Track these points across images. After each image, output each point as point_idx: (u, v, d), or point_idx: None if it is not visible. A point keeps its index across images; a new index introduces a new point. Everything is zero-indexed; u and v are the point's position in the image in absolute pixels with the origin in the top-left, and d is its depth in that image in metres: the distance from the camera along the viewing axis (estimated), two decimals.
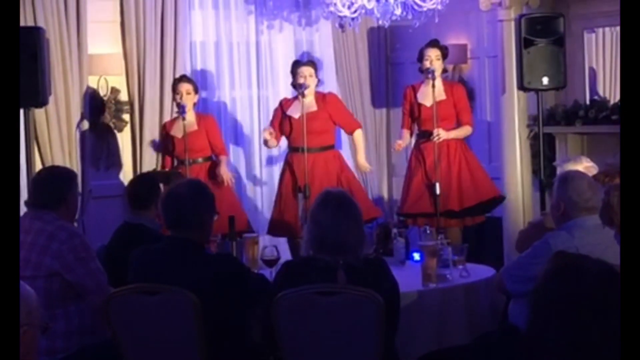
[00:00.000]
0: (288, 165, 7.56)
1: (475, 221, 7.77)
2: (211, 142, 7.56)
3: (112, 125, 7.98)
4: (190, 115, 7.45)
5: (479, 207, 7.68)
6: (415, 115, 7.67)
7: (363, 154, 7.81)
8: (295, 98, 7.54)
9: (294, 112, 7.45)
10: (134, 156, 7.99)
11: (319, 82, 7.76)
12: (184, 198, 4.35)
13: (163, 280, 4.26)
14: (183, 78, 7.61)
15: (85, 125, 7.68)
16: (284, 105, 7.63)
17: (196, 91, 7.55)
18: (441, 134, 7.49)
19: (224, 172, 7.48)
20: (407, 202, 7.69)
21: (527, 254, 4.49)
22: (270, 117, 7.85)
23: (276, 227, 7.62)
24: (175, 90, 7.52)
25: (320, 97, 7.62)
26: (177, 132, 7.42)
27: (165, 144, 7.65)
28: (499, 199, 7.79)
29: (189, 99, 7.44)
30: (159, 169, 7.80)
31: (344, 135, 8.35)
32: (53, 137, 7.48)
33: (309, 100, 7.45)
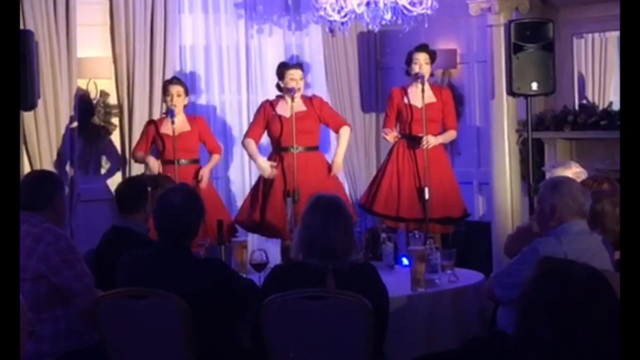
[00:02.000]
0: (279, 166, 7.51)
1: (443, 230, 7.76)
2: (205, 141, 7.56)
3: (101, 128, 7.96)
4: (181, 117, 7.44)
5: (446, 219, 7.69)
6: (404, 117, 7.66)
7: (342, 154, 7.67)
8: (280, 98, 7.52)
9: (283, 111, 7.43)
10: (122, 160, 7.98)
11: (307, 85, 7.74)
12: (178, 208, 4.35)
13: (152, 285, 4.26)
14: (174, 80, 7.60)
15: (74, 128, 7.67)
16: (269, 107, 7.59)
17: (187, 93, 7.54)
18: (430, 141, 7.49)
19: (206, 174, 7.48)
20: (400, 204, 7.65)
21: (515, 261, 4.49)
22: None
23: (262, 228, 7.58)
24: (165, 92, 7.51)
25: (307, 99, 7.63)
26: (167, 130, 7.37)
27: (151, 137, 7.54)
28: (464, 217, 7.81)
29: (180, 101, 7.42)
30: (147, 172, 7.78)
31: (330, 138, 8.35)
32: (42, 140, 7.46)
33: (297, 101, 7.44)
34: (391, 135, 7.68)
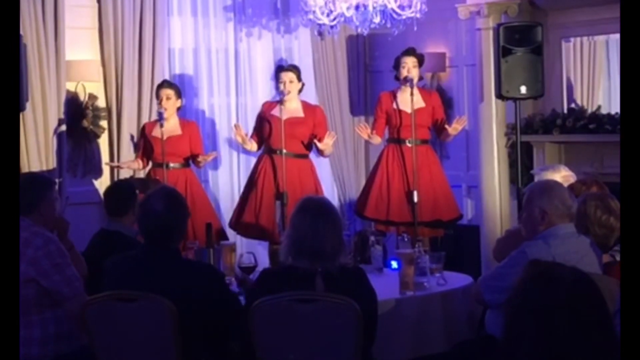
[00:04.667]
0: (266, 167, 7.51)
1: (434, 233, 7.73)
2: (192, 147, 7.53)
3: (89, 131, 7.94)
4: (173, 121, 7.43)
5: (436, 222, 7.66)
6: (393, 122, 7.65)
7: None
8: (278, 101, 7.51)
9: (278, 113, 7.39)
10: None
11: (303, 86, 7.67)
12: (161, 212, 4.32)
13: (140, 288, 4.24)
14: (164, 83, 7.59)
15: (63, 131, 7.65)
16: (267, 107, 7.59)
17: (178, 96, 7.52)
18: (458, 127, 7.46)
19: (202, 157, 7.50)
20: (390, 208, 7.64)
21: (504, 264, 4.49)
22: (250, 124, 7.84)
23: (249, 229, 7.58)
24: (157, 95, 7.51)
25: (309, 107, 7.60)
26: (157, 133, 7.34)
27: (143, 143, 7.57)
28: (457, 219, 7.80)
29: (170, 104, 7.41)
30: (136, 175, 7.78)
31: None
32: (30, 143, 7.44)
33: (295, 106, 7.43)
34: (365, 133, 7.68)
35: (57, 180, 7.43)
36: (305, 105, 7.57)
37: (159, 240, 4.32)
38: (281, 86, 7.41)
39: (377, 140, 7.77)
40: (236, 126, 7.58)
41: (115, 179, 7.78)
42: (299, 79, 7.51)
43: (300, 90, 7.53)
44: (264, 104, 7.70)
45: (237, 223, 7.62)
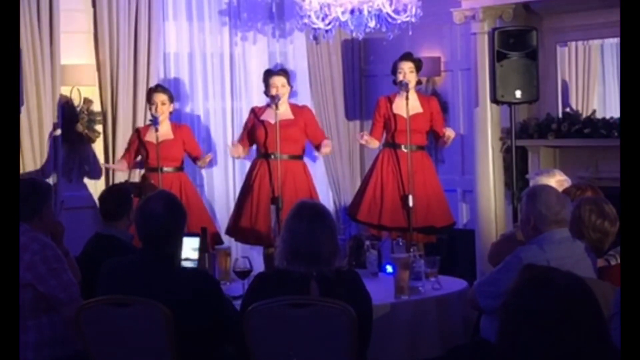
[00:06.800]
0: (261, 171, 7.51)
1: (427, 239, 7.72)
2: (189, 150, 7.53)
3: (84, 136, 7.94)
4: (166, 125, 7.43)
5: (429, 228, 7.66)
6: (389, 126, 7.65)
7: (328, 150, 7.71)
8: (268, 106, 7.53)
9: (269, 118, 7.43)
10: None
11: (292, 90, 7.72)
12: (159, 216, 4.31)
13: (135, 292, 4.24)
14: (158, 88, 7.57)
15: (58, 136, 7.65)
16: (257, 112, 7.62)
17: (171, 101, 7.52)
18: (451, 135, 7.45)
19: (202, 162, 7.52)
20: (382, 213, 7.64)
21: (498, 270, 4.49)
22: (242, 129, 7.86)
23: (246, 234, 7.58)
24: (149, 100, 7.49)
25: (297, 108, 7.63)
26: (151, 138, 7.36)
27: (136, 146, 7.56)
28: (450, 226, 7.79)
29: (164, 109, 7.41)
30: (131, 179, 7.77)
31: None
32: (25, 147, 7.43)
33: (284, 109, 7.45)
34: (364, 139, 7.68)
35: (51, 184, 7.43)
36: (293, 107, 7.60)
37: (157, 244, 4.32)
38: (273, 90, 7.41)
39: (374, 144, 7.78)
40: (232, 144, 7.61)
41: (110, 183, 7.78)
42: (289, 82, 7.55)
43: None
44: (253, 109, 7.70)
45: (234, 229, 7.63)
